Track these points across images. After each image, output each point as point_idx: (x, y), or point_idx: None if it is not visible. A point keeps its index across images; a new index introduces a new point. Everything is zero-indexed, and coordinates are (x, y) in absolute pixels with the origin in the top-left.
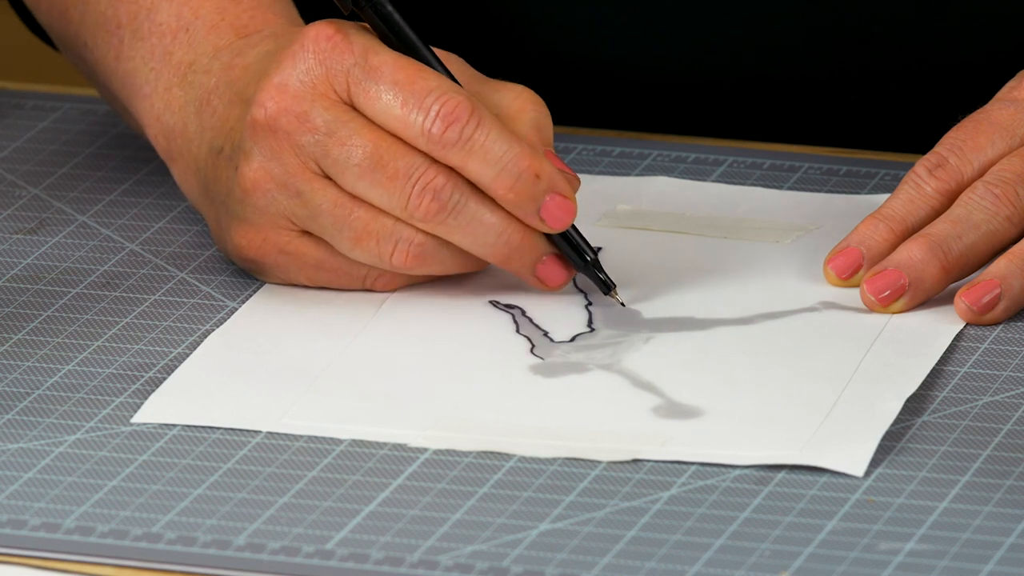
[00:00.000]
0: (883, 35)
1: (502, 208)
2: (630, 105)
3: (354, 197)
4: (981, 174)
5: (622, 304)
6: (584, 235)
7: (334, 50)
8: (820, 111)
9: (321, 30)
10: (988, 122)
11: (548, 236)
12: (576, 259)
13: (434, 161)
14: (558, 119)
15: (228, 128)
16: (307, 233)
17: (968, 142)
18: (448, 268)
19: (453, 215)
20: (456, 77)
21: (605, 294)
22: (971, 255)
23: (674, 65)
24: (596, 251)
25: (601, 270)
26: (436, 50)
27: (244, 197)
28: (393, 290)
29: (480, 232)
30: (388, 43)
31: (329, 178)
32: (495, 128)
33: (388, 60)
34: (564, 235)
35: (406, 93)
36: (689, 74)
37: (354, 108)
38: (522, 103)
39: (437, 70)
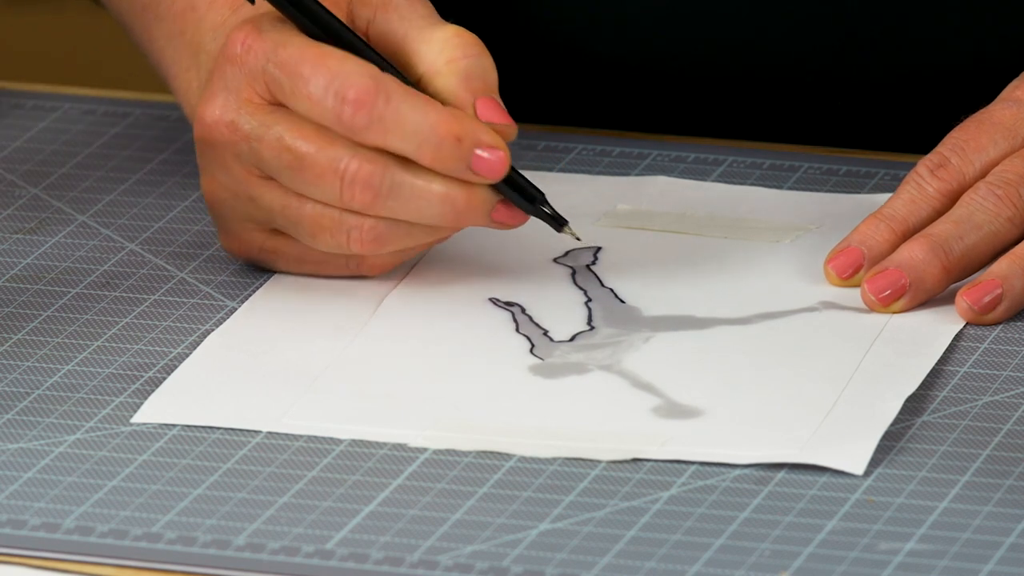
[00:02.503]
0: (883, 35)
1: (438, 174)
2: (630, 105)
3: (300, 194)
4: (983, 175)
5: (578, 239)
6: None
7: (248, 53)
8: (820, 111)
9: (235, 35)
10: (990, 122)
11: (493, 185)
12: (523, 203)
13: (359, 146)
14: (558, 118)
15: None
16: (278, 231)
17: (970, 142)
18: (417, 239)
19: (391, 197)
20: (386, 30)
21: (558, 231)
22: (972, 256)
23: (674, 64)
24: (541, 192)
25: (549, 207)
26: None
27: (210, 209)
28: (384, 271)
29: (423, 204)
30: (302, 26)
31: (273, 179)
32: (405, 100)
33: (294, 52)
34: (506, 181)
35: (312, 83)
36: (689, 73)
37: (280, 106)
38: (450, 53)
39: (352, 43)
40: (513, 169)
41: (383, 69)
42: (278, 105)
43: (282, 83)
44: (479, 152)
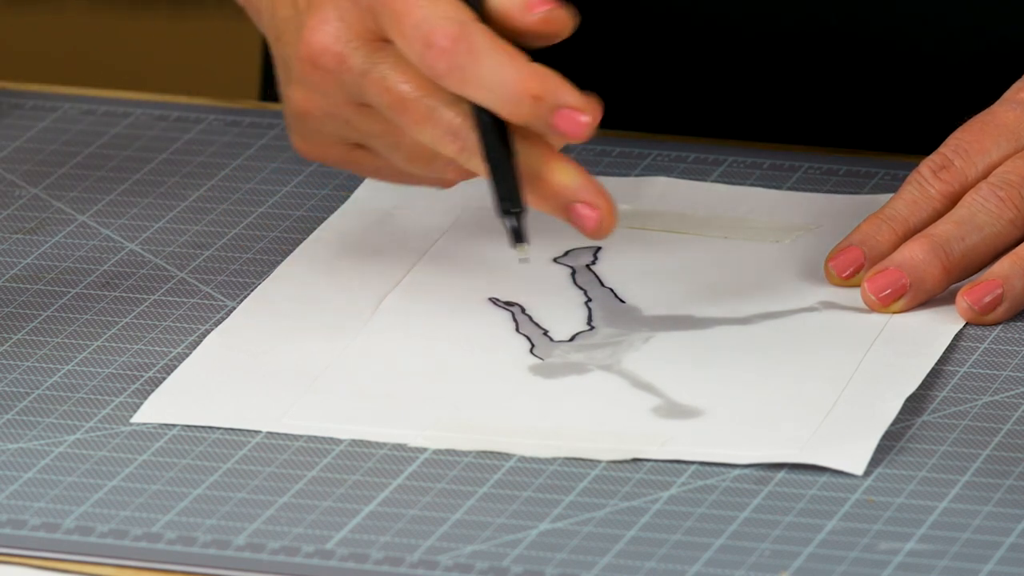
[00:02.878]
0: (883, 35)
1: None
2: (630, 105)
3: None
4: (985, 176)
5: (526, 260)
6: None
7: None
8: (820, 111)
9: None
10: (993, 124)
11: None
12: (496, 204)
13: (454, 96)
14: None
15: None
16: (362, 146)
17: (973, 144)
18: None
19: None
20: None
21: (511, 246)
22: (973, 257)
23: (673, 64)
24: (522, 207)
25: (517, 224)
26: None
27: (296, 120)
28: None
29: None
30: None
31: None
32: (489, 53)
33: None
34: (502, 175)
35: (404, 21)
36: (689, 73)
37: (389, 42)
38: None
39: None
40: (513, 166)
41: (473, 8)
42: (386, 41)
43: (384, 18)
44: (563, 112)
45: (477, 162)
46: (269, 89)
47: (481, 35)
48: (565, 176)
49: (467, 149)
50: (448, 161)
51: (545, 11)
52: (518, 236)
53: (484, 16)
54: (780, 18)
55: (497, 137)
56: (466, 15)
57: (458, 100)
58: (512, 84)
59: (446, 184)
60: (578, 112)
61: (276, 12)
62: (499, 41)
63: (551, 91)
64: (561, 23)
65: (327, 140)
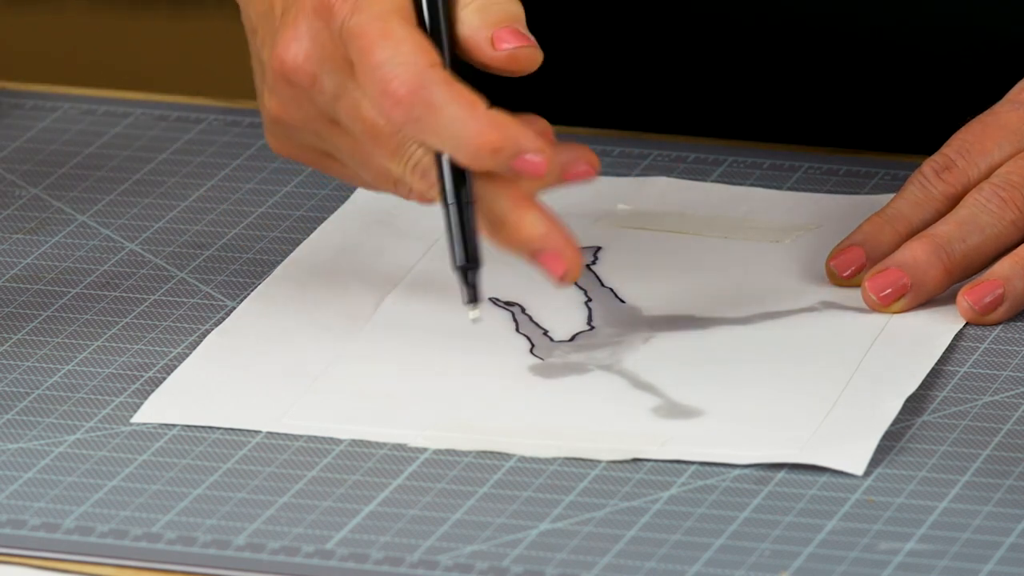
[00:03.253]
0: (883, 35)
1: None
2: (630, 105)
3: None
4: (987, 177)
5: (477, 319)
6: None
7: (329, 11)
8: (820, 111)
9: None
10: (996, 125)
11: (450, 216)
12: (452, 258)
13: None
14: (559, 118)
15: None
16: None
17: (976, 145)
18: None
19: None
20: None
21: (464, 303)
22: (974, 257)
23: (674, 64)
24: (474, 263)
25: (472, 280)
26: None
27: (271, 123)
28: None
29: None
30: None
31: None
32: (446, 105)
33: (362, 23)
34: (453, 226)
35: (364, 63)
36: (689, 73)
37: None
38: None
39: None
40: (472, 220)
41: (440, 47)
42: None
43: (349, 49)
44: (519, 160)
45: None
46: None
47: (438, 85)
48: (532, 224)
49: (435, 187)
50: (408, 191)
51: (512, 48)
52: (473, 295)
53: (452, 42)
54: (780, 17)
55: (458, 187)
56: (425, 59)
57: None
58: (470, 138)
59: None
60: (537, 156)
61: (251, 6)
62: (457, 89)
63: (510, 141)
64: (528, 61)
65: (297, 144)
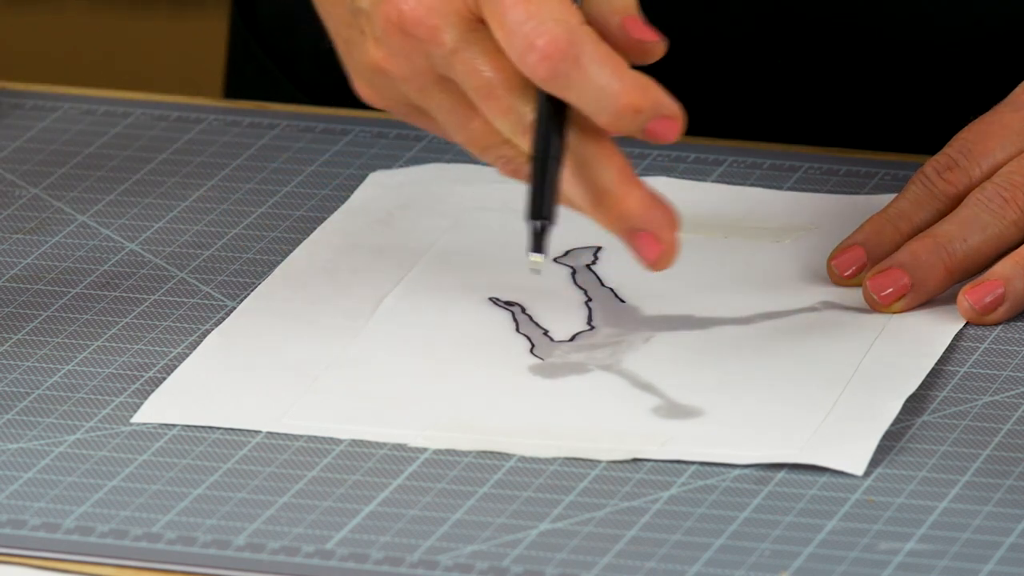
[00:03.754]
0: (884, 35)
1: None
2: None
3: (471, 105)
4: (989, 177)
5: (537, 272)
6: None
7: None
8: (820, 111)
9: None
10: (999, 125)
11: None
12: (529, 206)
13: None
14: None
15: None
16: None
17: (978, 145)
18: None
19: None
20: None
21: (528, 250)
22: (976, 257)
23: (674, 64)
24: (548, 216)
25: (541, 231)
26: None
27: (371, 73)
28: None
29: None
30: None
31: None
32: (593, 62)
33: None
34: (541, 181)
35: (510, 15)
36: (689, 73)
37: (484, 23)
38: None
39: None
40: (559, 174)
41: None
42: (483, 22)
43: (488, 6)
44: (654, 122)
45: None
46: (233, 86)
47: (586, 43)
48: (638, 201)
49: None
50: (499, 156)
51: (642, 40)
52: (538, 245)
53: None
54: (780, 18)
55: (553, 140)
56: (573, 17)
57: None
58: (615, 96)
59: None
60: (672, 121)
61: None
62: (604, 49)
63: (652, 103)
64: (655, 54)
65: (392, 97)
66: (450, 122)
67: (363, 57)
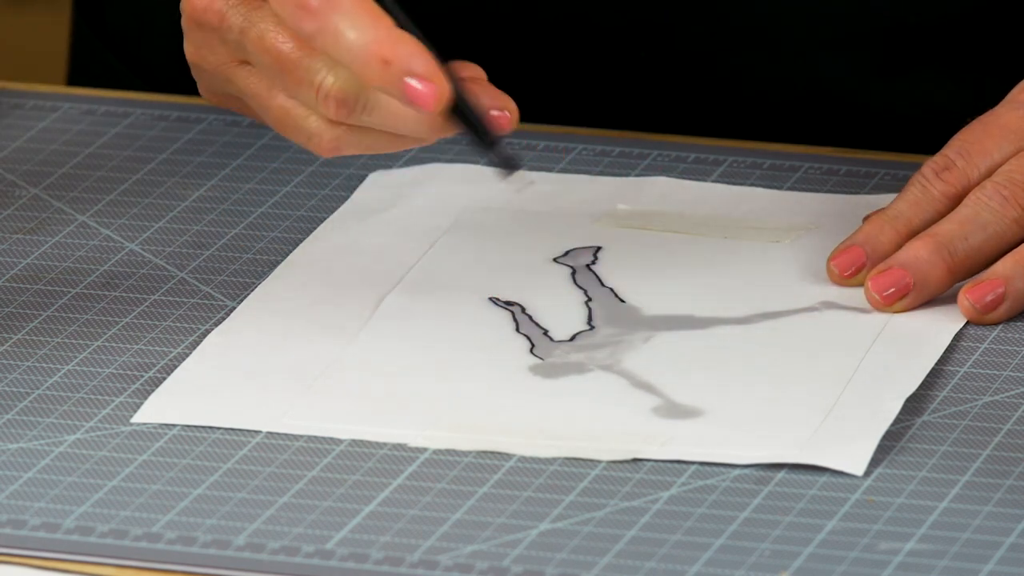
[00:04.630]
0: (883, 35)
1: None
2: (630, 105)
3: (273, 84)
4: (987, 177)
5: (531, 182)
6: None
7: None
8: (820, 111)
9: None
10: (997, 125)
11: (455, 112)
12: (479, 142)
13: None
14: (559, 118)
15: None
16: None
17: (976, 145)
18: (380, 148)
19: (365, 112)
20: None
21: (507, 175)
22: (977, 256)
23: (674, 64)
24: (495, 136)
25: (503, 149)
26: None
27: (192, 70)
28: (334, 155)
29: (397, 120)
30: None
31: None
32: (351, 15)
33: None
34: (462, 115)
35: None
36: (689, 73)
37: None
38: None
39: None
40: (469, 104)
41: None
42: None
43: None
44: (409, 81)
45: (368, 119)
46: (75, 73)
47: None
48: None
49: (356, 111)
50: (306, 133)
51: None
52: (510, 163)
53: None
54: (780, 18)
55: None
56: None
57: (336, 64)
58: (365, 45)
59: (316, 149)
60: (428, 83)
61: None
62: (367, 3)
63: (402, 57)
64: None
65: (211, 89)
66: (257, 104)
67: (188, 60)
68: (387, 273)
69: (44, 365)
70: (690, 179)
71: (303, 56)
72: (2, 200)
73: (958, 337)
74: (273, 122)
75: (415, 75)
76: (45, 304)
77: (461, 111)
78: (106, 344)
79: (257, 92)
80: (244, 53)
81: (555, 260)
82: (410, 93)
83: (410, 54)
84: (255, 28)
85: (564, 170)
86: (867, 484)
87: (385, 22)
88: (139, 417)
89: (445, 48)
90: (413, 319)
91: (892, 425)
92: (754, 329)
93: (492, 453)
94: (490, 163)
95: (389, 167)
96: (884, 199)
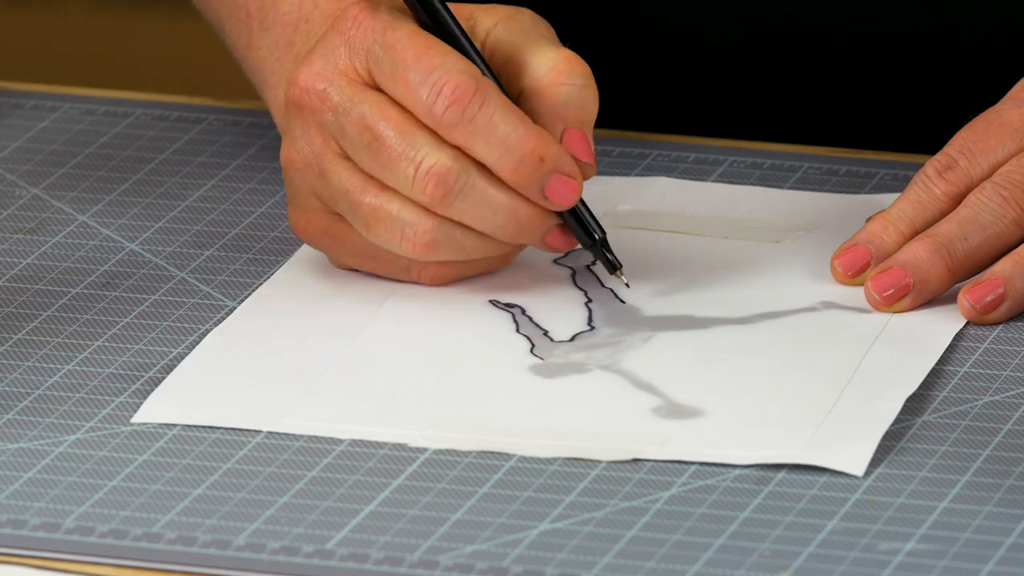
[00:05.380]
0: (884, 34)
1: (508, 186)
2: (631, 104)
3: (368, 179)
4: (990, 176)
5: (627, 285)
6: (593, 214)
7: (357, 28)
8: (820, 111)
9: (350, 9)
10: (998, 123)
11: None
12: (583, 237)
13: (442, 141)
14: None
15: None
16: (343, 217)
17: (978, 144)
18: (468, 252)
19: (460, 198)
20: (504, 40)
21: (611, 273)
22: (977, 256)
23: (673, 64)
24: (603, 232)
25: (609, 250)
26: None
27: (284, 176)
28: (441, 283)
29: (488, 213)
30: (420, 20)
31: (349, 158)
32: (500, 109)
33: (403, 36)
34: (572, 212)
35: (414, 70)
36: (688, 73)
37: (376, 86)
38: (556, 75)
39: (461, 43)
40: (582, 202)
41: (486, 74)
42: (372, 86)
43: (383, 64)
44: (556, 178)
45: (462, 206)
46: None
47: (493, 90)
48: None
49: (452, 192)
50: (406, 223)
51: (578, 160)
52: (614, 263)
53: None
54: (780, 19)
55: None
56: (476, 69)
57: (443, 145)
58: (520, 141)
59: (420, 276)
60: (572, 180)
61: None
62: (507, 99)
63: (555, 155)
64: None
65: (309, 204)
66: (347, 203)
67: (283, 165)
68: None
69: (44, 365)
70: (690, 179)
71: (404, 135)
72: (2, 200)
73: (958, 337)
74: (363, 220)
75: (562, 173)
76: (45, 304)
77: (573, 209)
78: (106, 344)
79: (350, 187)
80: (341, 135)
81: (555, 261)
82: (551, 189)
83: (560, 153)
84: (357, 108)
85: None
86: (867, 484)
87: (528, 118)
88: (139, 417)
89: None
90: (414, 320)
91: (892, 425)
92: (754, 329)
93: (492, 453)
94: (594, 260)
95: None
96: (884, 199)
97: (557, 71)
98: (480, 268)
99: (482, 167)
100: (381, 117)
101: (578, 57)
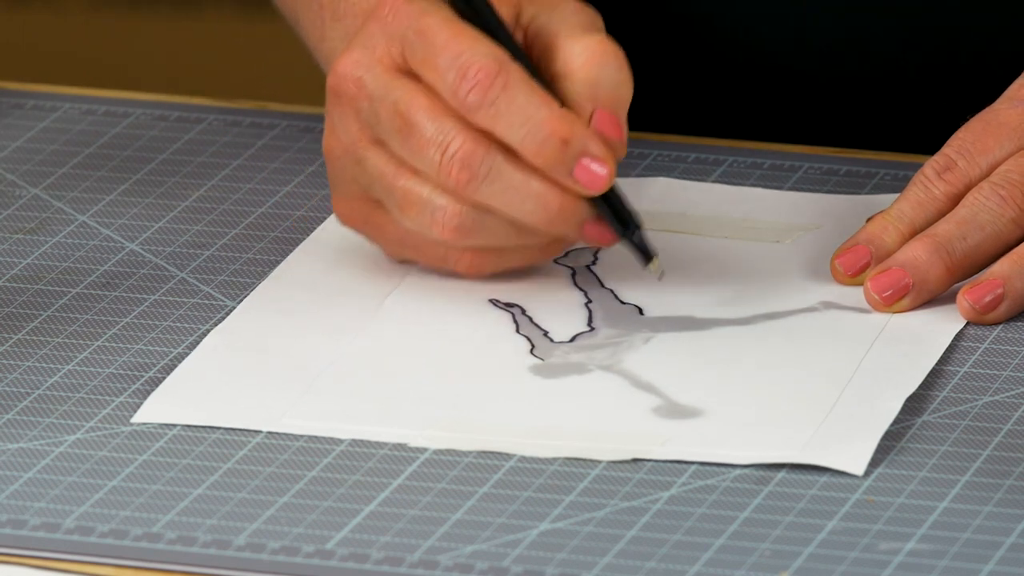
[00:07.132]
0: (884, 34)
1: (538, 171)
2: (631, 105)
3: (401, 164)
4: (989, 175)
5: (659, 277)
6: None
7: (394, 16)
8: (820, 111)
9: None
10: (997, 123)
11: (591, 198)
12: (616, 225)
13: (469, 125)
14: None
15: None
16: (383, 205)
17: (976, 144)
18: (501, 238)
19: (486, 181)
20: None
21: (643, 264)
22: (976, 256)
23: (674, 64)
24: (639, 222)
25: (641, 238)
26: None
27: (326, 164)
28: (479, 274)
29: (517, 198)
30: (457, 7)
31: (384, 144)
32: (522, 90)
33: (435, 23)
34: (606, 200)
35: (442, 55)
36: (688, 74)
37: (411, 73)
38: (587, 58)
39: (495, 30)
40: (616, 190)
41: (515, 58)
42: (408, 72)
43: (416, 49)
44: (584, 161)
45: (488, 190)
46: None
47: (517, 72)
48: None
49: (478, 176)
50: (436, 207)
51: (609, 137)
52: (648, 253)
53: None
54: (780, 19)
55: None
56: (503, 54)
57: (469, 129)
58: (543, 123)
59: (457, 263)
60: (602, 163)
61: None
62: (534, 82)
63: (579, 137)
64: (613, 153)
65: (350, 192)
66: (382, 187)
67: (325, 155)
68: (388, 274)
69: (44, 365)
70: (690, 179)
71: (433, 120)
72: (2, 200)
73: (958, 337)
74: (397, 203)
75: (590, 156)
76: (45, 304)
77: (606, 196)
78: (106, 344)
79: (385, 172)
80: (376, 122)
81: (555, 261)
82: (580, 173)
83: (586, 135)
84: (391, 94)
85: None
86: (867, 484)
87: (554, 100)
88: (139, 417)
89: None
90: (413, 320)
91: (892, 425)
92: (754, 329)
93: (492, 453)
94: (629, 249)
95: None
96: (884, 199)
97: (589, 55)
98: (517, 260)
99: (509, 151)
100: (412, 103)
101: (614, 43)
